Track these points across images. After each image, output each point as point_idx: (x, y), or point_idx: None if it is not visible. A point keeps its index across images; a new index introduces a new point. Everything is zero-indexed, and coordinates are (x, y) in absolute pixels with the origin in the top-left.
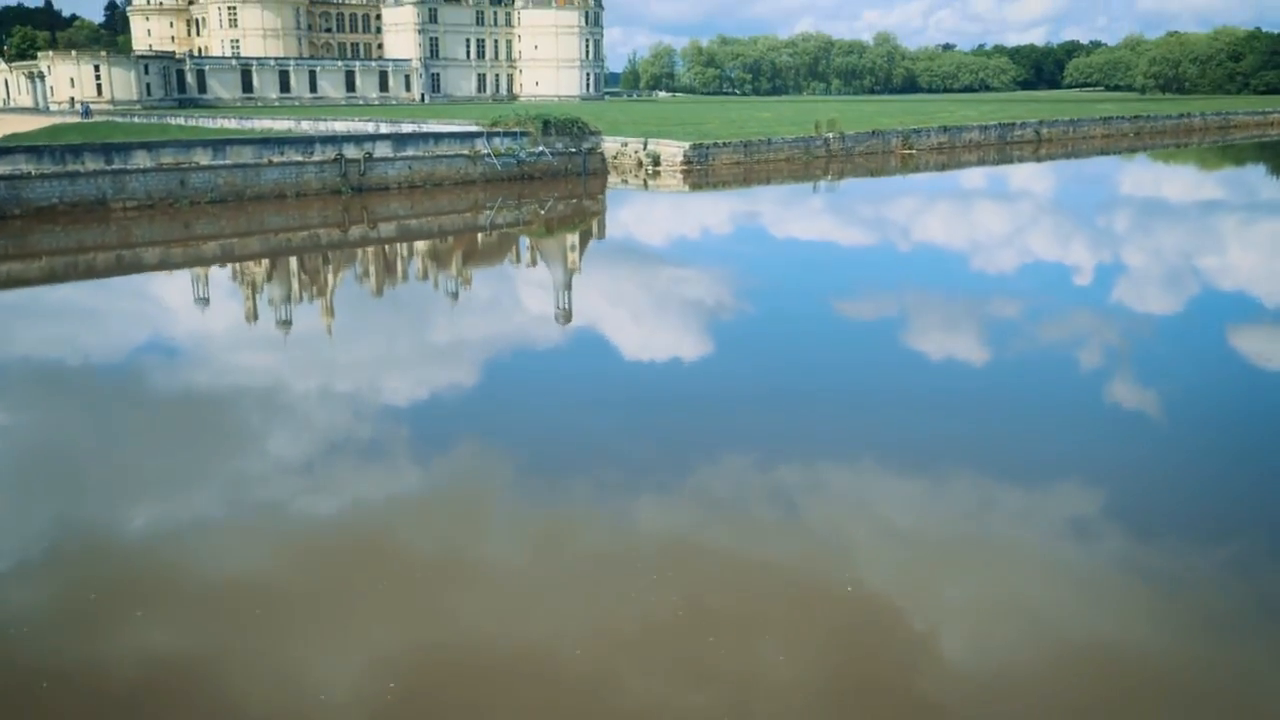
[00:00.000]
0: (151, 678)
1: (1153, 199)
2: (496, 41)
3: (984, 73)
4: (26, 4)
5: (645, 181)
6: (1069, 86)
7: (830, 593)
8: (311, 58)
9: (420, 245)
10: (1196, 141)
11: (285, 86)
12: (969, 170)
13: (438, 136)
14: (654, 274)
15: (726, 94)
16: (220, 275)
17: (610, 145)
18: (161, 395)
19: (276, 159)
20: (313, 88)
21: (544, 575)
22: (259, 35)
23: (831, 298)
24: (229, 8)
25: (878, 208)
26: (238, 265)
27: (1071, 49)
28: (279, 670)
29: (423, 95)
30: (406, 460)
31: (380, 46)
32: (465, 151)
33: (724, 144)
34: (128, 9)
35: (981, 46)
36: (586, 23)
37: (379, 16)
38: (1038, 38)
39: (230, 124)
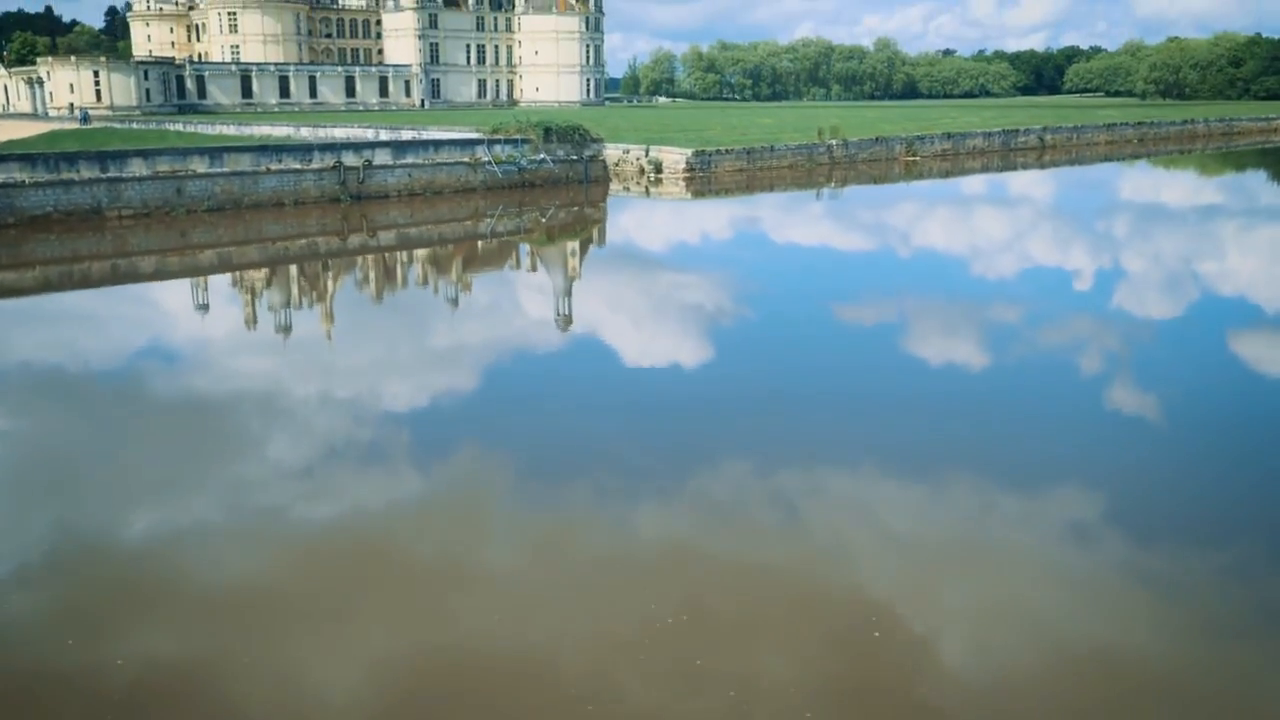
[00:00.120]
0: (151, 682)
1: (1158, 205)
2: (497, 47)
3: (984, 78)
4: (27, 9)
5: (647, 189)
6: (1069, 92)
7: (830, 597)
8: (311, 63)
9: (420, 252)
10: (1200, 148)
11: (285, 92)
12: (973, 177)
13: (438, 144)
14: (655, 280)
15: (727, 99)
16: (219, 281)
17: (612, 152)
18: (160, 400)
19: (274, 167)
20: (313, 93)
21: (544, 580)
22: (259, 41)
23: (832, 303)
24: (229, 13)
25: (881, 214)
26: (235, 274)
27: (1071, 54)
28: (278, 675)
29: (423, 101)
30: (407, 465)
31: (380, 52)
32: (466, 159)
33: (726, 151)
34: (128, 14)
35: (981, 52)
36: (587, 28)
37: (379, 22)
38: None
39: (229, 130)
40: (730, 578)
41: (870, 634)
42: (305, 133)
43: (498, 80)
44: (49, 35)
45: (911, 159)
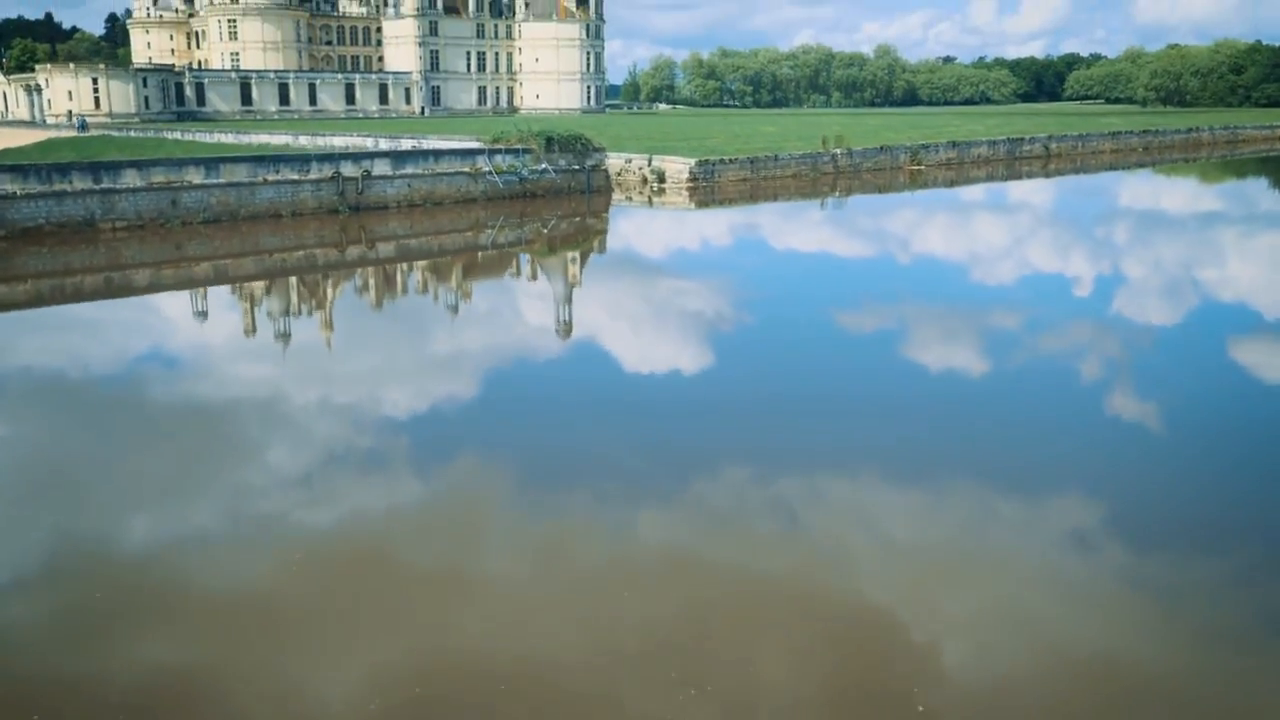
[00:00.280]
0: (152, 690)
1: (1164, 213)
2: (497, 54)
3: (985, 85)
4: (27, 16)
5: (650, 199)
6: (1069, 99)
7: (830, 602)
8: (311, 70)
9: (420, 261)
10: (1205, 156)
11: (285, 99)
12: (979, 186)
13: (438, 154)
14: (656, 289)
15: (727, 106)
16: (218, 291)
17: (614, 162)
18: (160, 409)
19: (271, 177)
20: (312, 100)
21: (544, 587)
22: (259, 48)
23: (834, 311)
24: (229, 20)
25: (885, 223)
26: (232, 286)
27: (1072, 61)
28: (279, 682)
29: (423, 108)
30: (407, 472)
31: (381, 59)
32: (466, 169)
33: (730, 160)
34: (128, 22)
35: (982, 59)
36: (587, 35)
37: (379, 29)
38: (1037, 50)
39: (227, 139)
40: (730, 583)
41: (871, 640)
42: (304, 141)
43: (498, 87)
44: (49, 42)
45: (916, 168)
